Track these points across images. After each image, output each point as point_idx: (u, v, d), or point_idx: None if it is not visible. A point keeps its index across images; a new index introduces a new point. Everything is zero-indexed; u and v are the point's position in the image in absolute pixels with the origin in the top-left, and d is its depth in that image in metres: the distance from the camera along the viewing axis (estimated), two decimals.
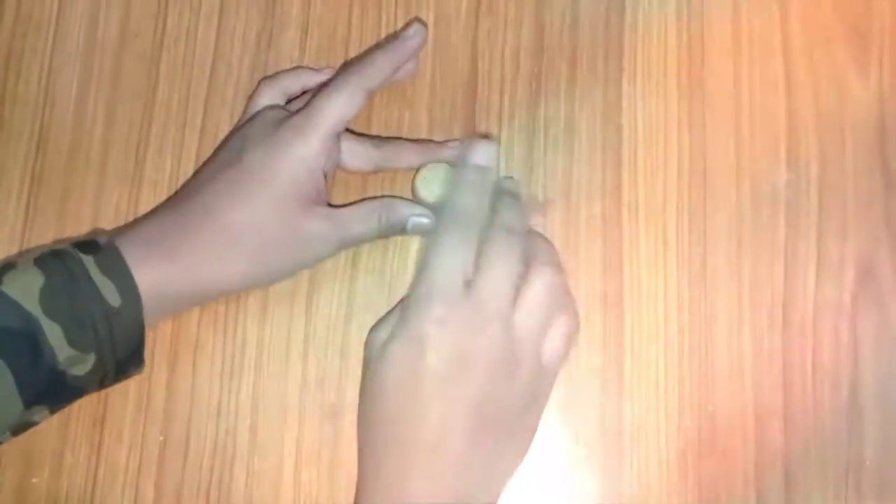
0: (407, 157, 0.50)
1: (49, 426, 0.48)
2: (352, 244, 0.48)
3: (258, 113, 0.48)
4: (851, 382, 0.47)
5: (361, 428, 0.43)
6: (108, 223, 0.51)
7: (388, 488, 0.41)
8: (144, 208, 0.50)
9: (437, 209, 0.47)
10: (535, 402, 0.44)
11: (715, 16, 0.52)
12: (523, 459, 0.43)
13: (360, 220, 0.47)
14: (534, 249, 0.44)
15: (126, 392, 0.49)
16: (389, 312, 0.44)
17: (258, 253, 0.45)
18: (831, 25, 0.51)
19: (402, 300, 0.45)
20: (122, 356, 0.43)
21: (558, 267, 0.44)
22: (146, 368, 0.48)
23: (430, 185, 0.48)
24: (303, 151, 0.45)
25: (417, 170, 0.49)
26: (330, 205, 0.48)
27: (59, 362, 0.41)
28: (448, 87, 0.52)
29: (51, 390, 0.42)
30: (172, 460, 0.48)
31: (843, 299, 0.48)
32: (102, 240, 0.43)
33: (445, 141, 0.50)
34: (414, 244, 0.50)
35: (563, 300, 0.44)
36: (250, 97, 0.50)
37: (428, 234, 0.46)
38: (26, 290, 0.41)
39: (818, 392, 0.47)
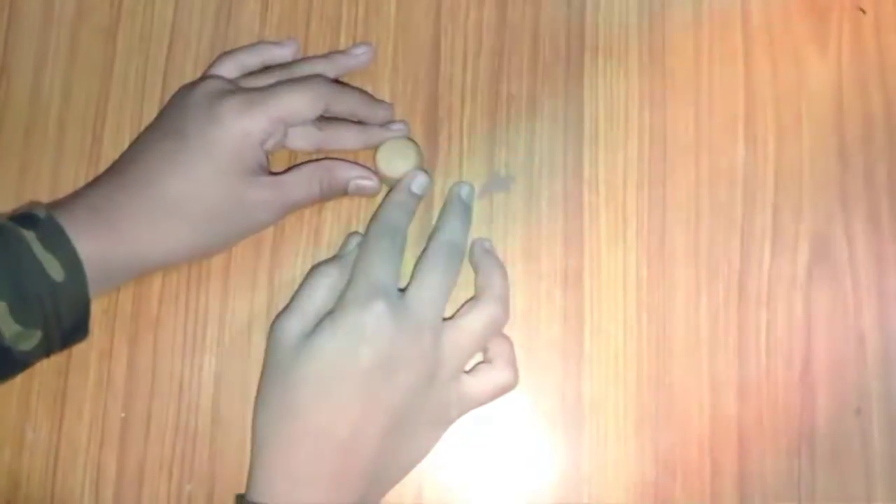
0: (349, 139, 0.50)
1: (9, 403, 0.48)
2: (295, 208, 0.48)
3: (200, 82, 0.47)
4: (804, 356, 0.48)
5: (263, 417, 0.43)
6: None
7: (290, 484, 0.41)
8: None
9: (374, 216, 0.47)
10: (439, 423, 0.45)
11: None
12: (412, 468, 0.45)
13: (301, 184, 0.47)
14: (490, 280, 0.46)
15: (86, 369, 0.48)
16: (295, 302, 0.45)
17: (200, 222, 0.45)
18: (791, 1, 0.52)
19: (299, 290, 0.45)
20: (68, 328, 0.43)
21: (506, 307, 0.46)
22: (107, 345, 0.48)
23: (392, 160, 0.48)
24: (248, 127, 0.45)
25: (379, 145, 0.49)
26: (271, 172, 0.48)
27: (6, 339, 0.41)
28: (410, 62, 0.51)
29: None
30: (134, 437, 0.48)
31: (798, 274, 0.49)
32: (41, 213, 0.43)
33: (388, 124, 0.50)
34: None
35: (500, 342, 0.46)
36: (207, 69, 0.50)
37: (362, 240, 0.46)
38: None
39: (772, 364, 0.48)
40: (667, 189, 0.50)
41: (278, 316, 0.44)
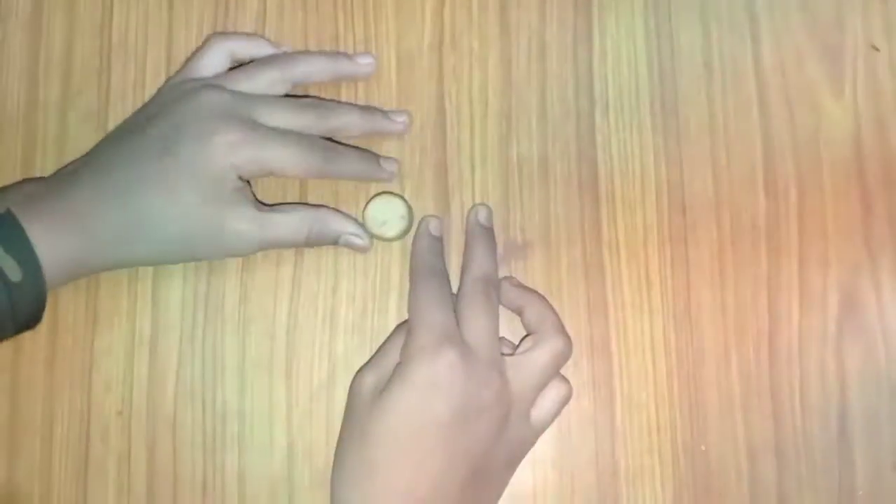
0: (348, 166, 0.48)
1: None
2: (276, 247, 0.47)
3: (198, 94, 0.45)
4: (840, 412, 0.47)
5: (340, 475, 0.42)
6: (67, 298, 0.48)
7: None
8: (105, 281, 0.48)
9: (411, 268, 0.47)
10: (516, 460, 0.45)
11: (685, 40, 0.50)
12: None
13: (289, 227, 0.46)
14: (542, 314, 0.46)
15: (105, 476, 0.47)
16: (375, 357, 0.45)
17: (177, 242, 0.45)
18: (802, 43, 0.50)
19: (382, 346, 0.46)
20: (23, 322, 0.43)
21: (567, 338, 0.45)
22: (125, 448, 0.47)
23: (379, 219, 0.47)
24: (239, 164, 0.44)
25: (368, 201, 0.48)
26: (259, 202, 0.46)
27: None
28: (416, 129, 0.50)
29: None
30: None
31: (828, 328, 0.48)
32: (1, 208, 0.42)
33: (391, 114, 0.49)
34: (392, 302, 0.48)
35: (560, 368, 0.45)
36: (197, 50, 0.48)
37: (410, 292, 0.45)
38: None
39: (808, 424, 0.47)
40: (689, 247, 0.48)
41: (358, 371, 0.44)
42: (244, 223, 0.45)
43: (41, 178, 0.48)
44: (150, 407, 0.47)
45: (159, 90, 0.48)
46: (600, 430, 0.47)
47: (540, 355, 0.44)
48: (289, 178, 0.49)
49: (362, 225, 0.48)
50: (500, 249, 0.48)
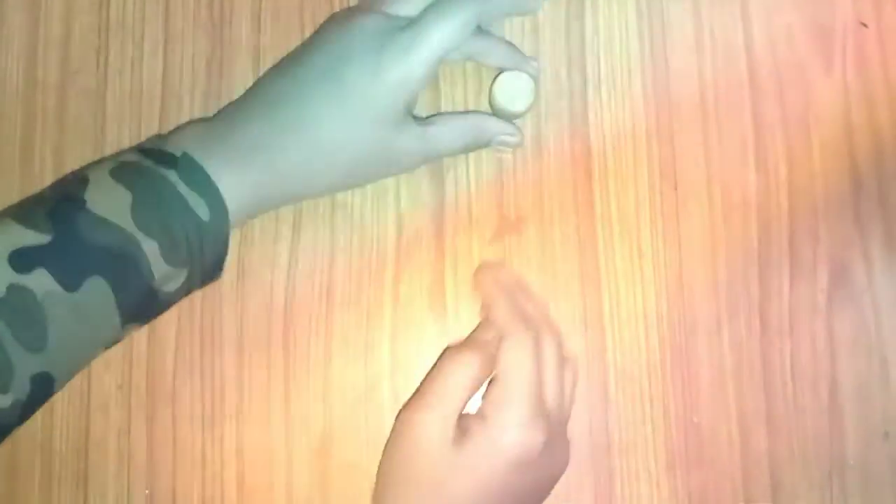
0: (497, 55, 0.49)
1: (30, 490, 0.47)
2: (437, 159, 0.49)
3: (358, 22, 0.45)
4: (830, 383, 0.48)
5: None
6: None
7: None
8: None
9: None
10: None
11: (675, 17, 0.51)
12: None
13: (449, 138, 0.47)
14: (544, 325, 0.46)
15: (106, 448, 0.48)
16: (432, 395, 0.43)
17: (350, 167, 0.45)
18: (792, 21, 0.51)
19: (435, 378, 0.44)
20: (209, 267, 0.43)
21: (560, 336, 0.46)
22: (125, 422, 0.47)
23: (508, 92, 0.48)
24: (407, 77, 0.44)
25: (496, 77, 0.48)
26: (415, 117, 0.47)
27: (156, 280, 0.41)
28: None
29: (145, 308, 0.42)
30: None
31: (818, 300, 0.48)
32: (177, 151, 0.42)
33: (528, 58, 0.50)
34: (388, 277, 0.49)
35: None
36: None
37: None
38: (115, 207, 0.40)
39: (799, 394, 0.47)
40: (680, 221, 0.49)
41: (411, 408, 0.43)
42: (412, 140, 0.46)
43: (203, 119, 0.48)
44: (149, 381, 0.48)
45: (323, 23, 0.48)
46: (594, 403, 0.48)
47: (563, 382, 0.45)
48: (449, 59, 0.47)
49: (515, 126, 0.49)
50: (494, 226, 0.49)
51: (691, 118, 0.50)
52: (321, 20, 0.51)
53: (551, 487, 0.45)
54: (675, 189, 0.49)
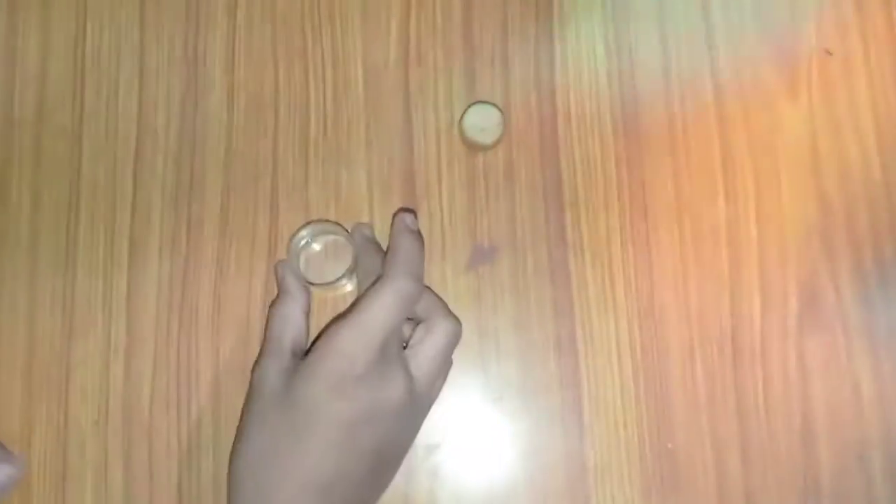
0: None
1: None
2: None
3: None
4: (803, 408, 0.48)
5: (239, 465, 0.42)
6: (44, 309, 0.49)
7: None
8: (81, 292, 0.49)
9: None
10: (417, 429, 0.46)
11: (643, 48, 0.52)
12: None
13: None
14: (430, 302, 0.46)
15: (83, 484, 0.48)
16: (270, 345, 0.45)
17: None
18: (758, 50, 0.52)
19: (270, 333, 0.45)
20: None
21: (456, 318, 0.46)
22: (101, 457, 0.47)
23: (478, 124, 0.49)
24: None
25: (466, 109, 0.49)
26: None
27: None
28: (384, 141, 0.51)
29: None
30: None
31: (789, 325, 0.49)
32: None
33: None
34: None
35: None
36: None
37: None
38: None
39: (772, 420, 0.48)
40: (651, 249, 0.50)
41: (257, 361, 0.45)
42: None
43: None
44: (125, 415, 0.48)
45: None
46: (568, 429, 0.48)
47: (436, 341, 0.45)
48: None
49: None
50: (468, 254, 0.50)
51: (660, 147, 0.51)
52: (294, 56, 0.52)
53: (403, 420, 0.43)
54: (646, 217, 0.50)
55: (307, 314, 0.48)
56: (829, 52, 0.52)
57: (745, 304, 0.49)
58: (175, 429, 0.48)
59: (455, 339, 0.46)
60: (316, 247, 0.50)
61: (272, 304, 0.47)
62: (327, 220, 0.49)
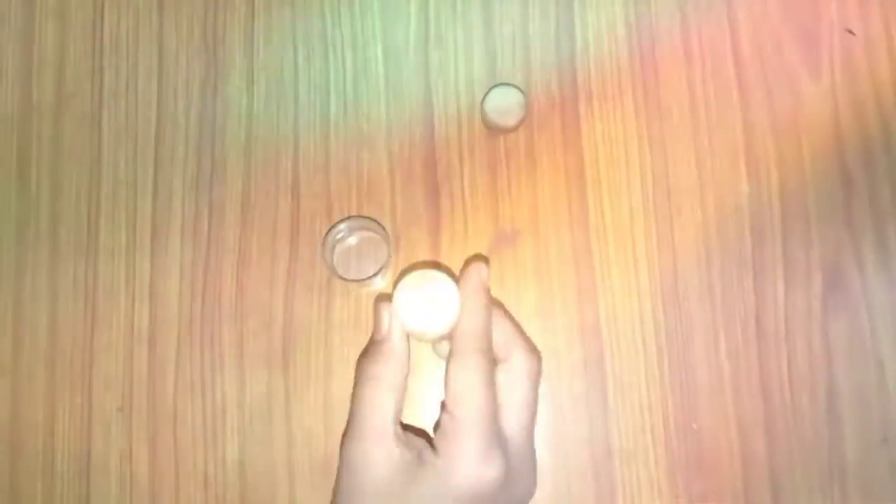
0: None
1: None
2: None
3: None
4: (828, 388, 0.48)
5: None
6: (66, 296, 0.49)
7: None
8: (103, 279, 0.49)
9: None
10: (529, 483, 0.43)
11: (664, 28, 0.51)
12: None
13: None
14: (509, 334, 0.42)
15: (108, 471, 0.48)
16: (361, 424, 0.39)
17: None
18: (779, 29, 0.51)
19: (356, 406, 0.40)
20: None
21: (537, 354, 0.42)
22: (126, 445, 0.47)
23: (499, 107, 0.48)
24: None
25: (487, 93, 0.49)
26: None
27: None
28: (404, 124, 0.51)
29: None
30: None
31: (813, 306, 0.49)
32: None
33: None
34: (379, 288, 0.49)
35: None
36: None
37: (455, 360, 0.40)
38: None
39: (797, 400, 0.48)
40: (674, 230, 0.49)
41: (347, 436, 0.40)
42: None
43: None
44: (150, 402, 0.48)
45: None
46: (593, 412, 0.48)
47: (522, 394, 0.41)
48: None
49: None
50: (490, 239, 0.49)
51: (682, 127, 0.50)
52: (313, 39, 0.51)
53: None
54: (669, 198, 0.50)
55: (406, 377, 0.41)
56: (851, 32, 0.51)
57: (768, 284, 0.49)
58: (200, 415, 0.48)
59: (538, 378, 0.41)
60: (352, 241, 0.50)
61: (365, 358, 0.40)
62: (367, 217, 0.49)
